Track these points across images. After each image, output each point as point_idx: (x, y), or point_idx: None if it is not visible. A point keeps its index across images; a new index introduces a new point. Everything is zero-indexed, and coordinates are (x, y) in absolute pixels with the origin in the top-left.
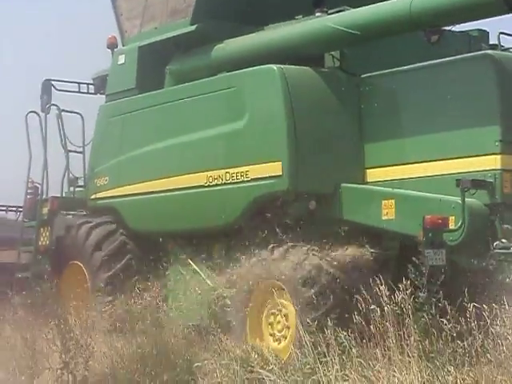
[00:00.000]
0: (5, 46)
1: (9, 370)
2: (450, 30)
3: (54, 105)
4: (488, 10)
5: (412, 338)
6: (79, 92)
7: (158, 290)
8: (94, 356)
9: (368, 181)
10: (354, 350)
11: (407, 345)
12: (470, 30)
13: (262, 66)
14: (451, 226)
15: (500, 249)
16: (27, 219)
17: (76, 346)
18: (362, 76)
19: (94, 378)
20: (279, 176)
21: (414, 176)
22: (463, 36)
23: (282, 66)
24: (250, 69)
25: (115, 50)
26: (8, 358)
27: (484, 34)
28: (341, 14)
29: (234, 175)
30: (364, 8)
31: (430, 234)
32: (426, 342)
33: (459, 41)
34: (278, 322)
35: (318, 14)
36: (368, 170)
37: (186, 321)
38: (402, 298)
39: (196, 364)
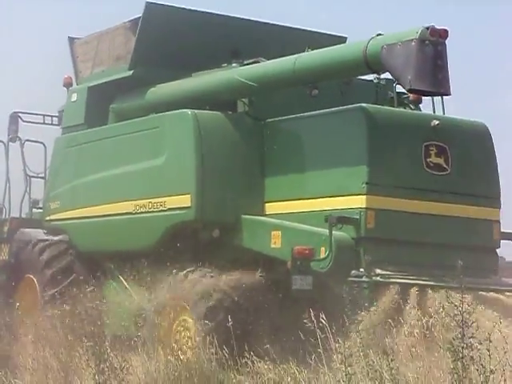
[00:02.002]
0: None
1: None
2: (359, 79)
3: (17, 137)
4: (354, 71)
5: None
6: (44, 123)
7: (97, 304)
8: (128, 378)
9: (266, 213)
10: None
11: None
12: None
13: (179, 110)
14: (322, 255)
15: (354, 277)
16: None
17: (110, 368)
18: (267, 120)
19: None
20: (188, 207)
21: (300, 211)
22: (371, 85)
23: (195, 111)
24: (170, 112)
25: (70, 88)
26: (42, 379)
27: (390, 83)
28: (244, 67)
29: (155, 205)
30: (261, 63)
31: (298, 262)
32: None
33: (367, 89)
34: (184, 337)
35: (234, 65)
36: (267, 204)
37: (114, 331)
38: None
39: None
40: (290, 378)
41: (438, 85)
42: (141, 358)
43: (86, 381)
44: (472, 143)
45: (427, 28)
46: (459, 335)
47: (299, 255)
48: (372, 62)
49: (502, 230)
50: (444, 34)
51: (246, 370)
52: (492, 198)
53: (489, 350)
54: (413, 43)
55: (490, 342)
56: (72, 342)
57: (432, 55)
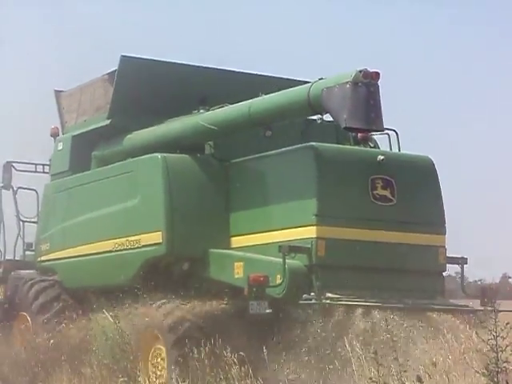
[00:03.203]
0: None
1: None
2: (320, 119)
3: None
4: (300, 112)
5: None
6: (36, 172)
7: (82, 333)
8: None
9: (232, 246)
10: None
11: None
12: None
13: (150, 155)
14: (278, 282)
15: (304, 300)
16: None
17: None
18: (231, 161)
19: None
20: (160, 243)
21: (261, 243)
22: (331, 126)
23: (164, 155)
24: (142, 156)
25: (57, 138)
26: None
27: None
28: (207, 112)
29: (131, 242)
30: (222, 109)
31: (254, 289)
32: None
33: (328, 130)
34: (158, 364)
35: (201, 111)
36: (232, 238)
37: (100, 359)
38: None
39: None
40: None
41: (371, 122)
42: None
43: None
44: (417, 175)
45: (360, 71)
46: (493, 360)
47: (254, 282)
48: (314, 104)
49: (449, 254)
50: (376, 76)
51: None
52: (437, 226)
53: None
54: (347, 85)
55: None
56: (106, 378)
57: (365, 96)
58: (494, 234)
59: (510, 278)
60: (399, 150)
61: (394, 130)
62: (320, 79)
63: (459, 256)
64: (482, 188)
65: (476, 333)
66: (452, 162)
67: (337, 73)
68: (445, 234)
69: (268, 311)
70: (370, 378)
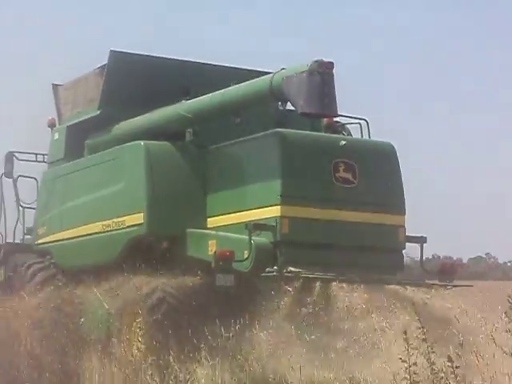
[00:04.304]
0: None
1: None
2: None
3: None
4: (264, 100)
5: None
6: (36, 161)
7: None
8: None
9: (209, 226)
10: None
11: None
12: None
13: (133, 142)
14: (245, 257)
15: (266, 273)
16: None
17: (175, 381)
18: (209, 147)
19: None
20: (141, 223)
21: (233, 222)
22: None
23: (147, 142)
24: (127, 144)
25: (54, 128)
26: None
27: None
28: (183, 102)
29: (117, 223)
30: (197, 98)
31: (221, 263)
32: None
33: (302, 120)
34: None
35: (183, 101)
36: (209, 218)
37: (89, 333)
38: None
39: None
40: None
41: (325, 108)
42: (206, 370)
43: None
44: (378, 160)
45: (316, 61)
46: None
47: (221, 256)
48: (276, 92)
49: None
50: (330, 65)
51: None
52: (396, 206)
53: None
54: (304, 74)
55: None
56: (136, 357)
57: (319, 83)
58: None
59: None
60: (369, 138)
61: (365, 120)
62: (282, 69)
63: (419, 235)
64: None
65: (505, 313)
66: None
67: (296, 63)
68: (404, 214)
69: (231, 284)
70: (400, 358)
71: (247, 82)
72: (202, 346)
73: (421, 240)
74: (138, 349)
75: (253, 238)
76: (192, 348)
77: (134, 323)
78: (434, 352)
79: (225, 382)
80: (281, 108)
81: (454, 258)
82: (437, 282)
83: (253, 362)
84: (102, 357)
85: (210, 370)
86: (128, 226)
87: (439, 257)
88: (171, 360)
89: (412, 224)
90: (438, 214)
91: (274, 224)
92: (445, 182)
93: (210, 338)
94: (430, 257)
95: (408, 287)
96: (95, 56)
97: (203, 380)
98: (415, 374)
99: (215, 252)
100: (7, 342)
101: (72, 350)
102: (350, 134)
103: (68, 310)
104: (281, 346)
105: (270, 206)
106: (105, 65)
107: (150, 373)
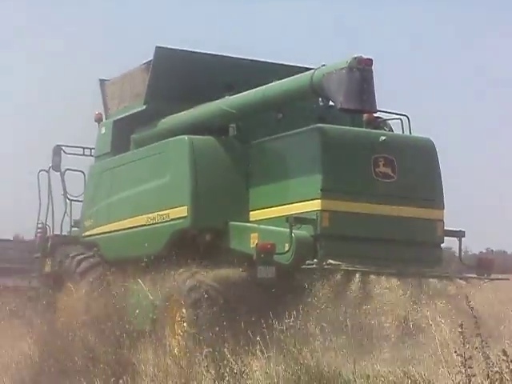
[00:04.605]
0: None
1: None
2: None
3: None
4: (305, 96)
5: None
6: (83, 155)
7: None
8: (248, 383)
9: (251, 219)
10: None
11: None
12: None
13: (178, 137)
14: (286, 249)
15: (306, 265)
16: (36, 252)
17: (230, 373)
18: (252, 142)
19: None
20: (185, 217)
21: (275, 216)
22: None
23: (191, 137)
24: (172, 138)
25: (100, 123)
26: None
27: None
28: (227, 97)
29: (162, 216)
30: (240, 94)
31: (262, 255)
32: None
33: (343, 116)
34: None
35: (226, 97)
36: (251, 212)
37: (136, 326)
38: None
39: None
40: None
41: (364, 103)
42: (260, 363)
43: None
44: (417, 155)
45: (355, 58)
46: None
47: (262, 249)
48: (316, 88)
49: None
50: (369, 62)
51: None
52: (435, 201)
53: None
54: (343, 71)
55: None
56: (192, 348)
57: (359, 80)
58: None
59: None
60: (410, 134)
61: (406, 116)
62: (322, 66)
63: (457, 229)
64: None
65: None
66: None
67: (336, 60)
68: (443, 208)
69: (272, 276)
70: (455, 352)
71: (289, 79)
72: (258, 338)
73: (459, 234)
74: (192, 341)
75: (293, 231)
76: (247, 340)
77: (180, 315)
78: (488, 346)
79: (279, 374)
80: (321, 104)
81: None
82: (474, 275)
83: (307, 355)
84: (157, 348)
85: (264, 362)
86: (172, 219)
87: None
88: (226, 352)
89: (451, 219)
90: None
91: (315, 217)
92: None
93: (264, 330)
94: (471, 251)
95: (447, 281)
96: (141, 52)
97: (258, 372)
98: (470, 367)
99: (257, 245)
100: (61, 333)
101: (126, 342)
102: (391, 129)
103: (119, 302)
104: (333, 339)
105: (311, 199)
106: (150, 61)
107: (205, 365)
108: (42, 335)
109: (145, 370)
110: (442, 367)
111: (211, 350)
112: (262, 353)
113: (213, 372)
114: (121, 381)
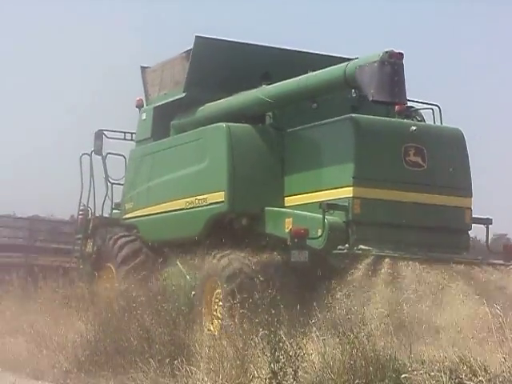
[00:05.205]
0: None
1: (218, 378)
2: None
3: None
4: (338, 87)
5: None
6: (125, 139)
7: (159, 281)
8: (304, 366)
9: (286, 205)
10: None
11: None
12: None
13: (216, 124)
14: (318, 234)
15: (337, 250)
16: (78, 233)
17: (286, 356)
18: (287, 130)
19: None
20: (222, 201)
21: (309, 202)
22: None
23: (229, 124)
24: (210, 126)
25: (141, 109)
26: (218, 367)
27: None
28: (264, 87)
29: (200, 201)
30: (276, 84)
31: (296, 240)
32: None
33: (377, 106)
34: (219, 307)
35: (263, 86)
36: (286, 198)
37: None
38: None
39: (404, 375)
40: None
41: (395, 96)
42: (315, 346)
43: (262, 369)
44: (446, 145)
45: (387, 52)
46: None
47: (296, 234)
48: (349, 80)
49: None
50: (400, 56)
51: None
52: (463, 189)
53: None
54: (375, 64)
55: None
56: (248, 331)
57: (390, 73)
58: None
59: None
60: (441, 124)
61: (438, 106)
62: (356, 58)
63: (485, 217)
64: None
65: None
66: None
67: (368, 53)
68: (471, 196)
69: (305, 260)
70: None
71: (323, 70)
72: (313, 321)
73: (487, 221)
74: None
75: (326, 217)
76: (302, 323)
77: (218, 297)
78: None
79: (335, 358)
80: (354, 95)
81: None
82: (501, 261)
83: (363, 339)
84: (212, 330)
85: (320, 345)
86: (210, 204)
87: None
88: (282, 335)
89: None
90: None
91: (347, 204)
92: None
93: (319, 313)
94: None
95: (476, 267)
96: (180, 41)
97: (313, 355)
98: None
99: (291, 229)
100: (118, 313)
101: (182, 323)
102: (422, 118)
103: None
104: (386, 323)
105: (343, 187)
106: (190, 49)
107: (261, 347)
108: (98, 315)
109: (200, 352)
110: (497, 353)
111: (267, 332)
112: (317, 336)
113: (268, 354)
114: (176, 361)
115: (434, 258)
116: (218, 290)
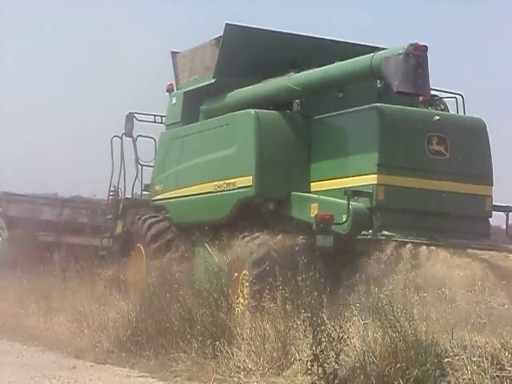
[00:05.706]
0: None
1: (259, 359)
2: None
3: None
4: (364, 77)
5: None
6: (155, 122)
7: (186, 261)
8: (345, 349)
9: (312, 190)
10: None
11: None
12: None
13: (245, 110)
14: (343, 220)
15: (361, 235)
16: (109, 214)
17: (328, 339)
18: (314, 118)
19: (343, 372)
20: (250, 186)
21: (334, 187)
22: None
23: (257, 111)
24: (239, 112)
25: (171, 93)
26: (259, 348)
27: None
28: (291, 74)
29: (228, 185)
30: (304, 72)
31: (321, 225)
32: None
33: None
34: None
35: (290, 73)
36: (312, 183)
37: (198, 284)
38: None
39: (446, 359)
40: None
41: (419, 87)
42: (357, 329)
43: (303, 351)
44: (469, 134)
45: (412, 44)
46: None
47: (321, 219)
48: (375, 71)
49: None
50: (424, 48)
51: None
52: (484, 177)
53: None
54: (400, 56)
55: None
56: (290, 313)
57: (414, 65)
58: None
59: None
60: (464, 113)
61: (461, 95)
62: (382, 48)
63: (505, 205)
64: None
65: None
66: None
67: (393, 45)
68: (492, 185)
69: (330, 245)
70: None
71: (350, 60)
72: (357, 305)
73: (507, 209)
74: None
75: (351, 203)
76: (344, 306)
77: (247, 278)
78: None
79: (377, 341)
80: (379, 85)
81: None
82: None
83: (405, 323)
84: (253, 311)
85: (361, 328)
86: (238, 188)
87: None
88: (324, 317)
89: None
90: None
91: (371, 191)
92: None
93: (361, 297)
94: None
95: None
96: (211, 28)
97: (354, 338)
98: None
99: (316, 215)
100: (160, 294)
101: (224, 304)
102: (446, 107)
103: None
104: (428, 308)
105: (368, 174)
106: (220, 36)
107: (302, 329)
108: (139, 295)
109: (241, 334)
110: None
111: (309, 314)
112: (359, 320)
113: (310, 337)
114: (217, 343)
115: (455, 244)
116: (245, 271)
